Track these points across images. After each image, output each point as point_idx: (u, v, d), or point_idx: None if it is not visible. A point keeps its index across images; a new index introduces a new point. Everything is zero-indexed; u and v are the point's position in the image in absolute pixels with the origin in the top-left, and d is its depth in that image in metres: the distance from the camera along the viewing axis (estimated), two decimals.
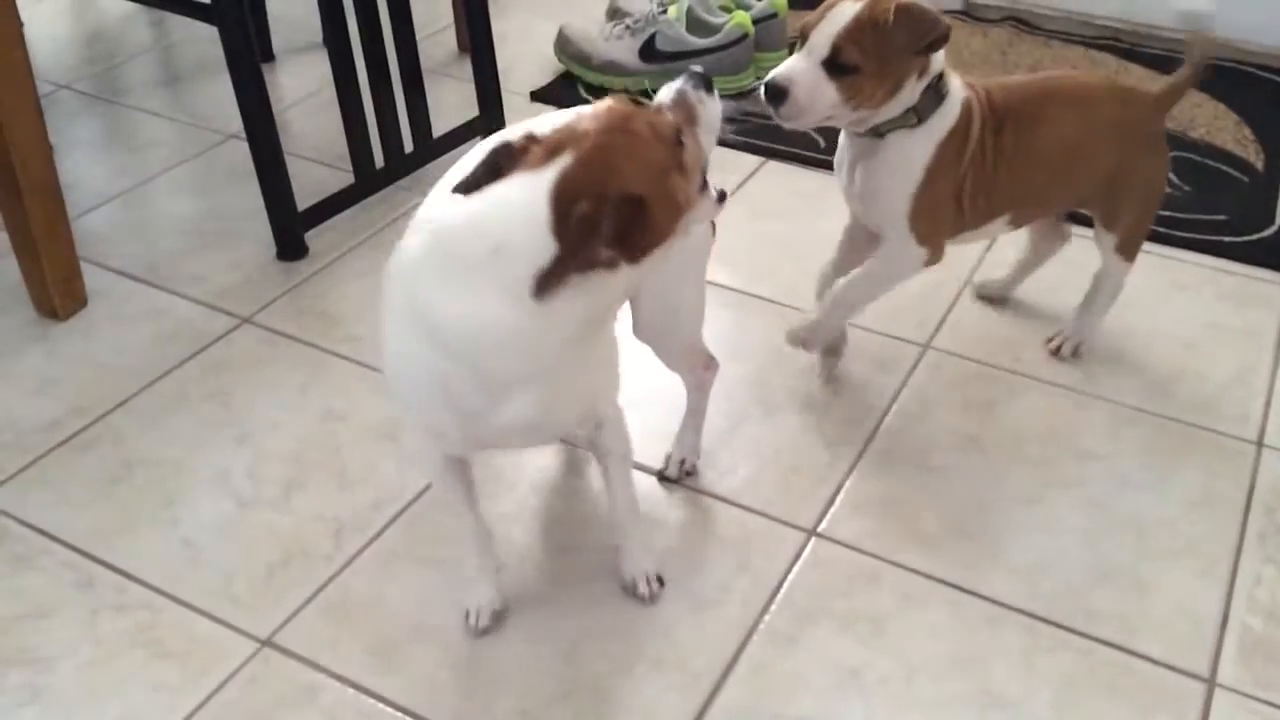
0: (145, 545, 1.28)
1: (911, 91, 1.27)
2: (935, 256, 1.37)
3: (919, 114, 1.28)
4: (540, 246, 0.88)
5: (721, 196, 1.01)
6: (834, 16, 1.22)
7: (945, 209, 1.33)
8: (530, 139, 0.93)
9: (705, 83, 1.00)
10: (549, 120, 1.11)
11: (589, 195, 0.88)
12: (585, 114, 0.94)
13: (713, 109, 0.99)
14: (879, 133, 1.30)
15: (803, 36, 1.25)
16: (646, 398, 1.41)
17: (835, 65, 1.22)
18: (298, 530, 1.30)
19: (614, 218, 0.87)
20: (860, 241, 1.46)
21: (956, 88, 1.31)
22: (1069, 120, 1.35)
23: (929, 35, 1.22)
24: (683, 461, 1.36)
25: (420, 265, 0.94)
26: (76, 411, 1.45)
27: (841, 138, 1.38)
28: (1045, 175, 1.37)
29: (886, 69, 1.23)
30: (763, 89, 1.26)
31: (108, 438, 1.41)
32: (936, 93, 1.28)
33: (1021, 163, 1.34)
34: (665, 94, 0.99)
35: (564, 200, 0.88)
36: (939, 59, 1.27)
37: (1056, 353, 1.55)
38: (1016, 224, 1.44)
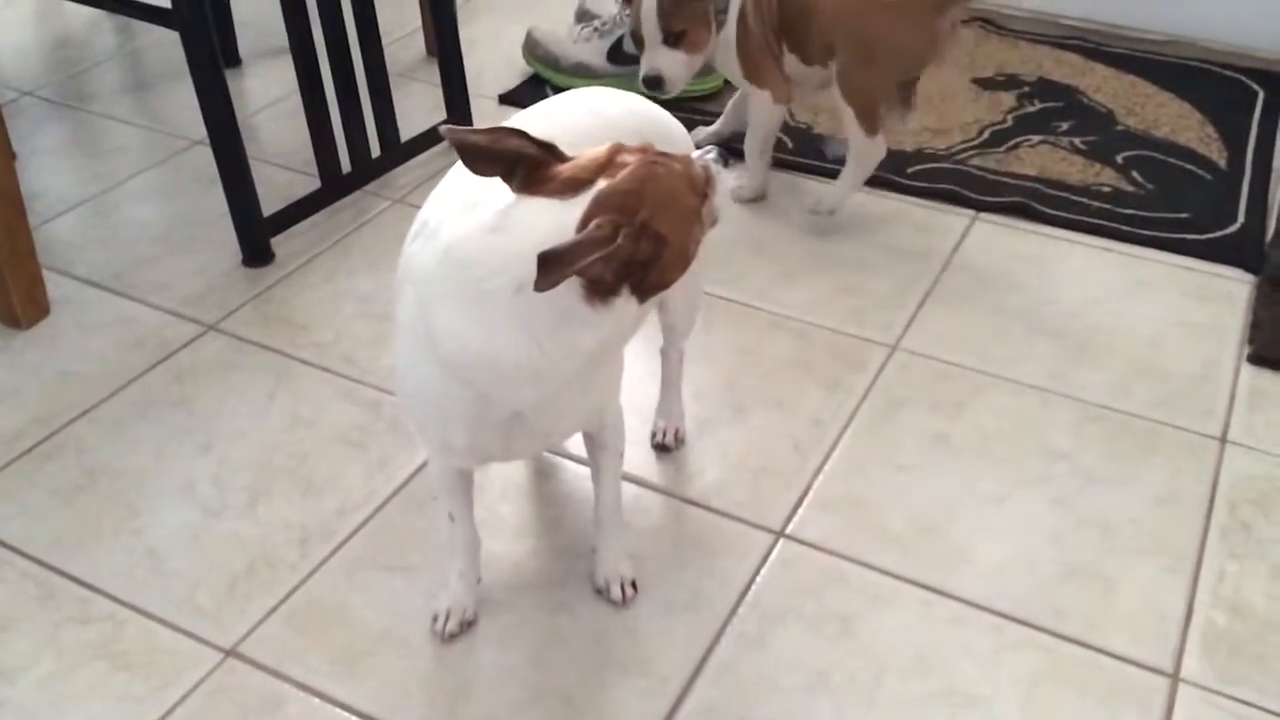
0: (108, 556, 1.27)
1: (717, 15, 1.67)
2: (779, 95, 1.75)
3: (720, 16, 1.68)
4: (565, 287, 0.86)
5: None
6: (645, 9, 1.63)
7: (759, 58, 1.71)
8: (550, 151, 0.90)
9: (724, 159, 1.00)
10: (558, 113, 1.11)
11: (619, 219, 0.86)
12: (618, 147, 0.92)
13: (729, 183, 1.00)
14: None
15: (636, 38, 1.67)
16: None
17: (671, 38, 1.64)
18: (263, 539, 1.29)
19: (635, 247, 0.86)
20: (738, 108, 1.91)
21: None
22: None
23: None
24: (677, 430, 1.41)
25: (434, 286, 0.92)
26: (39, 421, 1.43)
27: None
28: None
29: (706, 15, 1.64)
30: (644, 85, 1.65)
31: (71, 447, 1.40)
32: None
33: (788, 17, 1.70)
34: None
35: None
36: None
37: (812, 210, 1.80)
38: (807, 63, 1.73)
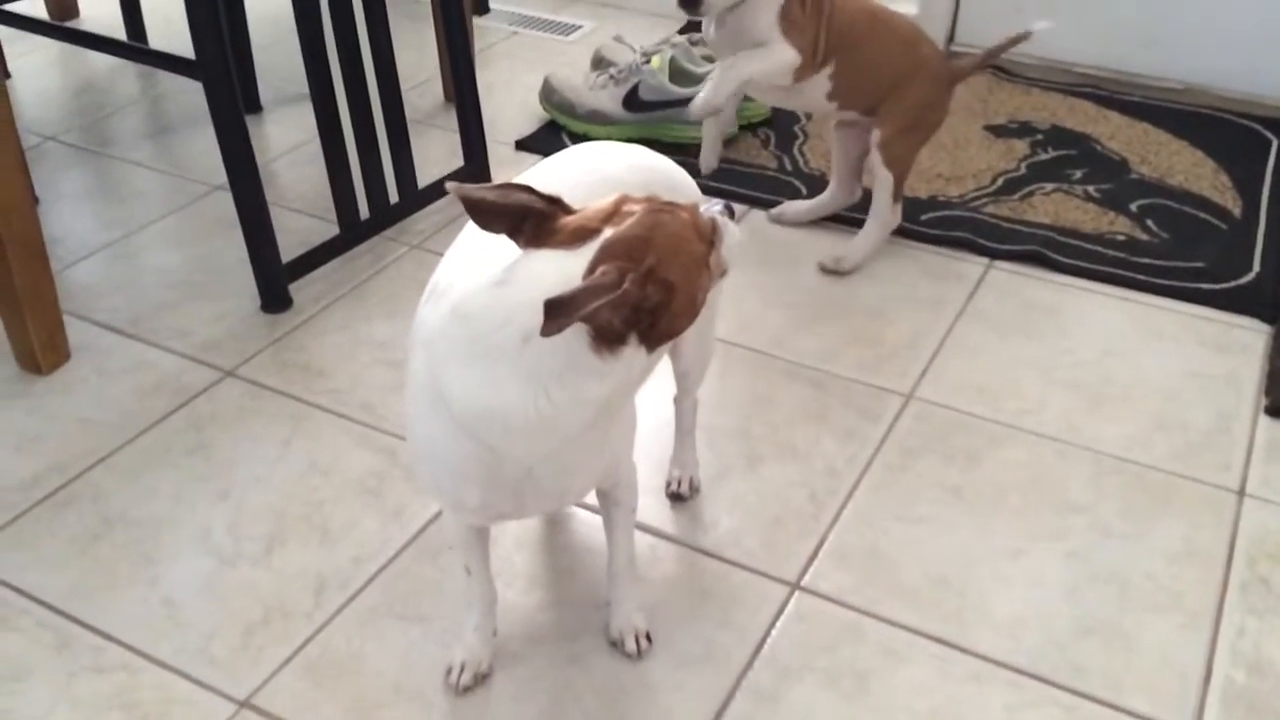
0: (124, 604, 1.27)
1: None
2: (802, 62, 1.67)
3: None
4: (572, 336, 0.86)
5: None
6: None
7: (800, 27, 1.65)
8: (557, 205, 0.91)
9: (732, 211, 1.01)
10: (560, 171, 1.11)
11: (625, 266, 0.86)
12: (624, 198, 0.92)
13: (735, 234, 0.99)
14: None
15: None
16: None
17: None
18: (278, 588, 1.29)
19: (642, 293, 0.86)
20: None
21: None
22: (885, 39, 1.74)
23: None
24: (691, 479, 1.41)
25: (442, 344, 0.93)
26: (57, 468, 1.44)
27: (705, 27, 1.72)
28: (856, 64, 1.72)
29: None
30: (680, 2, 1.62)
31: (88, 494, 1.41)
32: None
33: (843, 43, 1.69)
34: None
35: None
36: None
37: (822, 268, 1.82)
38: (835, 93, 1.73)
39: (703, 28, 1.74)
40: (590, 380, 0.90)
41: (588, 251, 0.88)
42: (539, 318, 0.82)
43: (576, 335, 0.87)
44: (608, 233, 0.89)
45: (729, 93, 1.70)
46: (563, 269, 0.88)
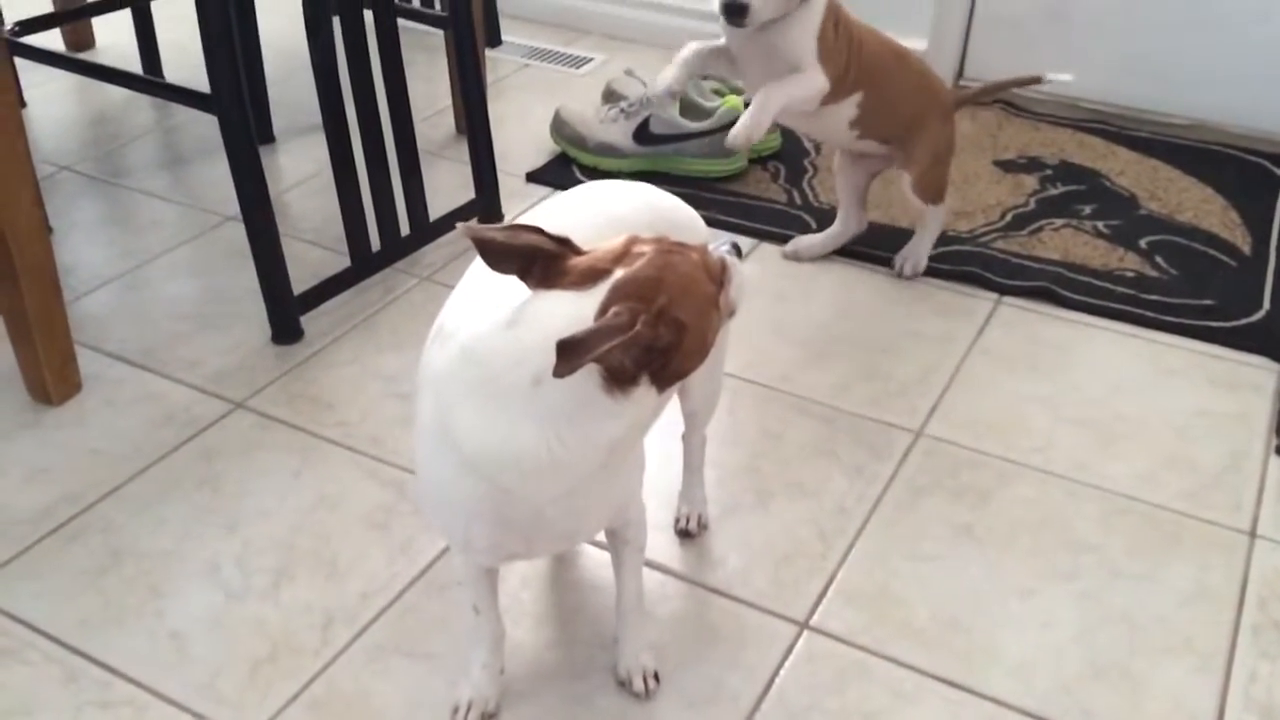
0: (132, 638, 1.27)
1: None
2: (832, 86, 1.66)
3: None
4: (583, 377, 0.86)
5: None
6: None
7: (833, 54, 1.65)
8: (566, 246, 0.91)
9: (739, 250, 1.01)
10: (568, 211, 1.12)
11: (637, 306, 0.86)
12: (634, 238, 0.93)
13: (743, 274, 1.00)
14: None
15: None
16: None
17: None
18: (285, 623, 1.29)
19: (654, 334, 0.87)
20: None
21: None
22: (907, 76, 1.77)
23: None
24: (700, 516, 1.40)
25: (452, 385, 0.93)
26: (67, 500, 1.45)
27: (735, 41, 1.68)
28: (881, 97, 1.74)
29: None
30: (723, 12, 1.58)
31: (97, 527, 1.41)
32: None
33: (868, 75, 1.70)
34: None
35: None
36: None
37: (900, 273, 1.89)
38: (859, 122, 1.74)
39: (729, 41, 1.69)
40: (602, 421, 0.90)
41: (599, 292, 0.88)
42: (550, 359, 0.82)
43: (588, 376, 0.87)
44: (619, 273, 0.89)
45: (768, 123, 1.67)
46: (574, 310, 0.88)
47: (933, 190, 1.84)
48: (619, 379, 0.88)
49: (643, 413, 0.93)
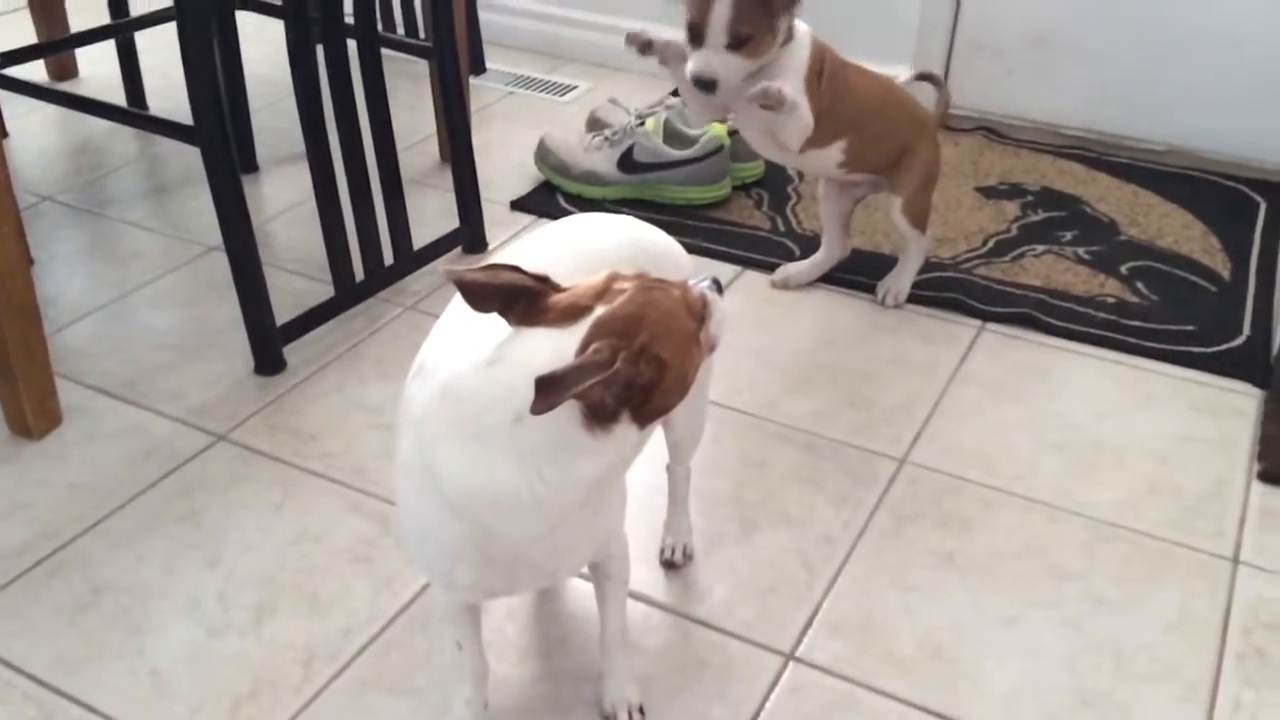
0: (111, 676, 1.25)
1: (788, 28, 1.61)
2: (814, 131, 1.67)
3: (789, 35, 1.61)
4: (564, 414, 0.86)
5: None
6: (718, 8, 1.54)
7: (816, 97, 1.65)
8: (547, 284, 0.91)
9: (720, 286, 1.02)
10: (550, 244, 1.12)
11: (618, 343, 0.86)
12: (614, 275, 0.93)
13: (724, 310, 0.99)
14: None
15: (694, 32, 1.57)
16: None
17: (735, 42, 1.56)
18: (267, 659, 1.28)
19: (634, 370, 0.87)
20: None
21: (800, 26, 1.64)
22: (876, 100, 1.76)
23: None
24: (685, 547, 1.40)
25: (433, 424, 0.92)
26: (46, 535, 1.43)
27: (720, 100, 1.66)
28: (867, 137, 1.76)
29: (774, 25, 1.57)
30: (693, 83, 1.59)
31: (77, 562, 1.40)
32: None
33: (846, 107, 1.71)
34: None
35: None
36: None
37: (883, 302, 1.89)
38: (847, 162, 1.77)
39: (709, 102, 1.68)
40: (583, 458, 0.90)
41: (580, 329, 0.88)
42: (531, 397, 0.82)
43: (569, 413, 0.87)
44: (599, 310, 0.89)
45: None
46: (555, 347, 0.88)
47: (919, 214, 1.85)
48: (600, 416, 0.88)
49: (623, 450, 0.92)
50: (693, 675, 1.27)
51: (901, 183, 1.81)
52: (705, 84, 1.59)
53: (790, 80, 1.61)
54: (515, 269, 0.90)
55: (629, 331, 0.88)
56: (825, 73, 1.66)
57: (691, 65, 1.59)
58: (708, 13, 1.55)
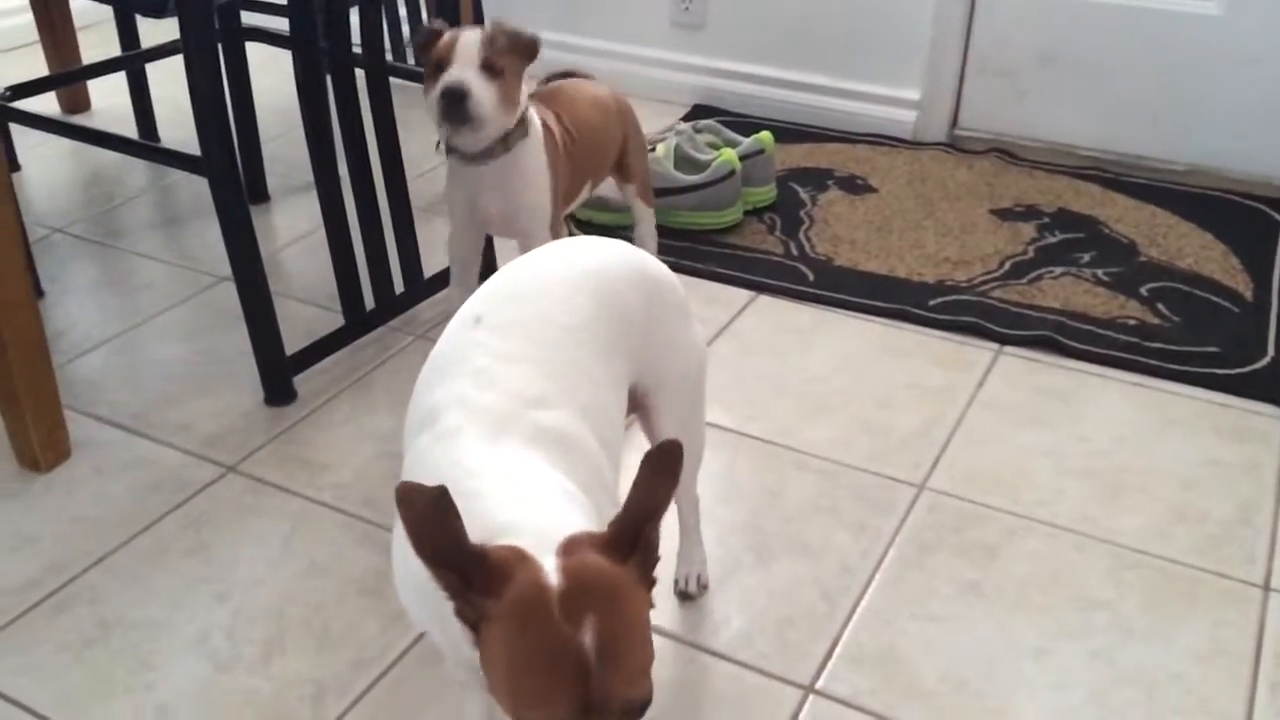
0: (118, 713, 1.23)
1: (523, 99, 1.59)
2: (558, 235, 1.66)
3: (526, 121, 1.59)
4: None
5: None
6: (466, 39, 1.51)
7: (560, 173, 1.66)
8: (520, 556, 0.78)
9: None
10: (549, 264, 1.09)
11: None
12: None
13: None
14: (507, 146, 1.58)
15: (438, 64, 1.51)
16: None
17: (488, 67, 1.50)
18: (276, 695, 1.25)
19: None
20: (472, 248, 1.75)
21: (532, 115, 1.62)
22: (599, 119, 1.77)
23: (528, 39, 1.55)
24: (699, 576, 1.38)
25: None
26: (54, 570, 1.41)
27: (453, 173, 1.65)
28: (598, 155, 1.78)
29: (516, 73, 1.55)
30: (442, 99, 1.50)
31: (84, 597, 1.38)
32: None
33: (583, 147, 1.72)
34: None
35: None
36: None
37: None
38: (593, 187, 1.83)
39: (449, 201, 1.68)
40: None
41: None
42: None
43: None
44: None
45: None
46: None
47: (649, 187, 1.93)
48: None
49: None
50: (710, 709, 1.24)
51: (633, 170, 1.86)
52: (458, 95, 1.48)
53: (534, 184, 1.62)
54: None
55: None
56: (561, 146, 1.66)
57: (443, 79, 1.50)
58: (453, 45, 1.50)
